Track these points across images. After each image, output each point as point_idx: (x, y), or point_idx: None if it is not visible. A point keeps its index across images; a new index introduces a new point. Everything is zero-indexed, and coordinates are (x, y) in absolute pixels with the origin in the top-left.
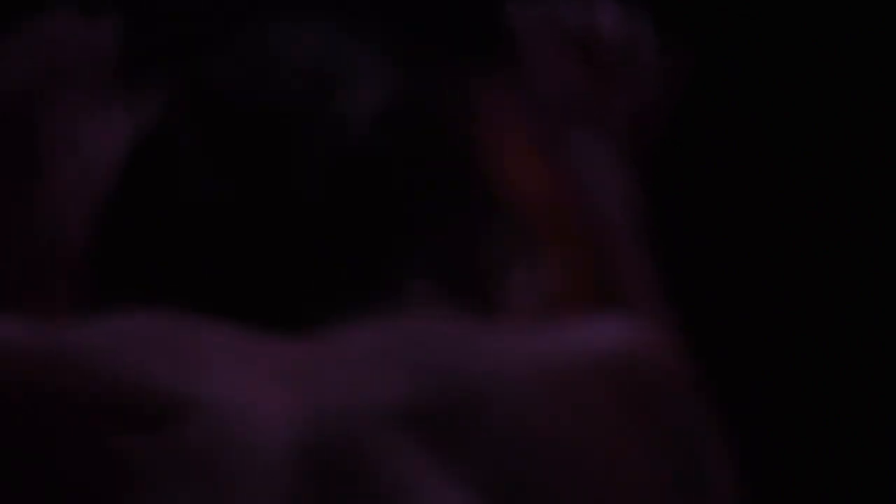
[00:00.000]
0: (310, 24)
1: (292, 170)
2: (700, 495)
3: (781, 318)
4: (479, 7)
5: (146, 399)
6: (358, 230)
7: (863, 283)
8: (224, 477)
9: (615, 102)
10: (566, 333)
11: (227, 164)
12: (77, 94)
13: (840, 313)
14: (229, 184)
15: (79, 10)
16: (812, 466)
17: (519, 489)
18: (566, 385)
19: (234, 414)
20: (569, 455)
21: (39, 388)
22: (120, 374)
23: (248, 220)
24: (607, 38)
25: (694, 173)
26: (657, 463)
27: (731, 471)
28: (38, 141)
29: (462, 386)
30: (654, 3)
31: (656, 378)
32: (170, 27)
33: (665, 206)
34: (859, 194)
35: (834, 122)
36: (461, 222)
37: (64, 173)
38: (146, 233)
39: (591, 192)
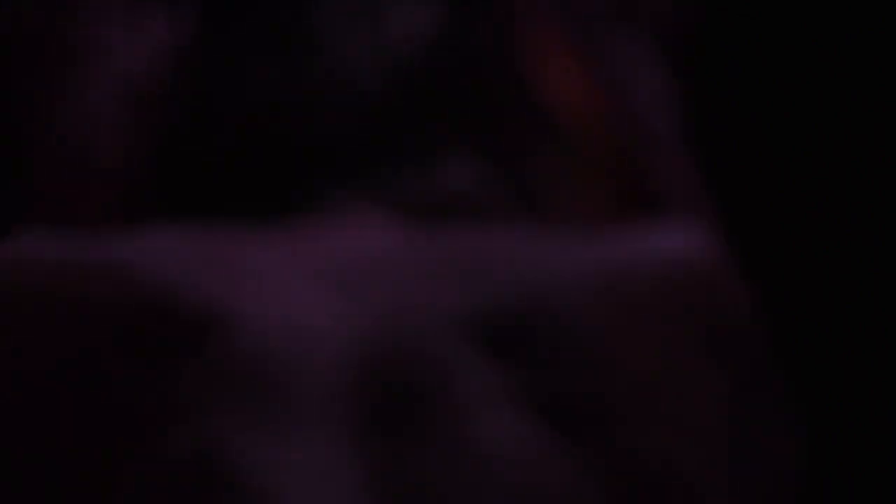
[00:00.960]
0: None
1: (343, 82)
2: (765, 420)
3: (824, 228)
4: None
5: (188, 311)
6: (413, 141)
7: None
8: (275, 393)
9: (650, 3)
10: (624, 241)
11: (269, 77)
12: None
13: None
14: (267, 96)
15: None
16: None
17: (585, 403)
18: (631, 294)
19: (283, 326)
20: (634, 370)
21: (77, 302)
22: (160, 286)
23: (293, 129)
24: None
25: (733, 74)
26: (721, 381)
27: (788, 404)
28: (70, 49)
29: (527, 295)
30: None
31: (717, 286)
32: None
33: (705, 111)
34: None
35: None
36: (511, 133)
37: (98, 82)
38: (186, 141)
39: (632, 98)
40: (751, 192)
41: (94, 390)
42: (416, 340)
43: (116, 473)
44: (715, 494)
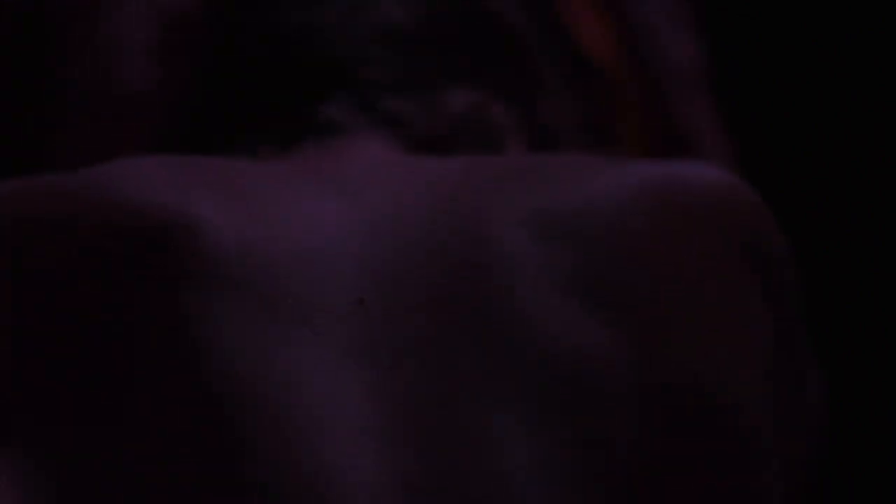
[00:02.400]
0: None
1: (366, 7)
2: (798, 361)
3: (849, 176)
4: None
5: (150, 217)
6: (425, 70)
7: None
8: (284, 297)
9: None
10: (656, 164)
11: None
12: None
13: None
14: (292, 20)
15: None
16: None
17: (633, 298)
18: (673, 204)
19: (284, 235)
20: (679, 275)
21: (50, 221)
22: (126, 197)
23: (313, 53)
24: None
25: (755, 23)
26: (760, 302)
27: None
28: None
29: (565, 194)
30: None
31: (751, 211)
32: None
33: (729, 57)
34: None
35: None
36: (540, 73)
37: (128, 7)
38: (213, 68)
39: (655, 39)
40: (772, 136)
41: (71, 305)
42: (453, 230)
43: (116, 387)
44: (756, 412)
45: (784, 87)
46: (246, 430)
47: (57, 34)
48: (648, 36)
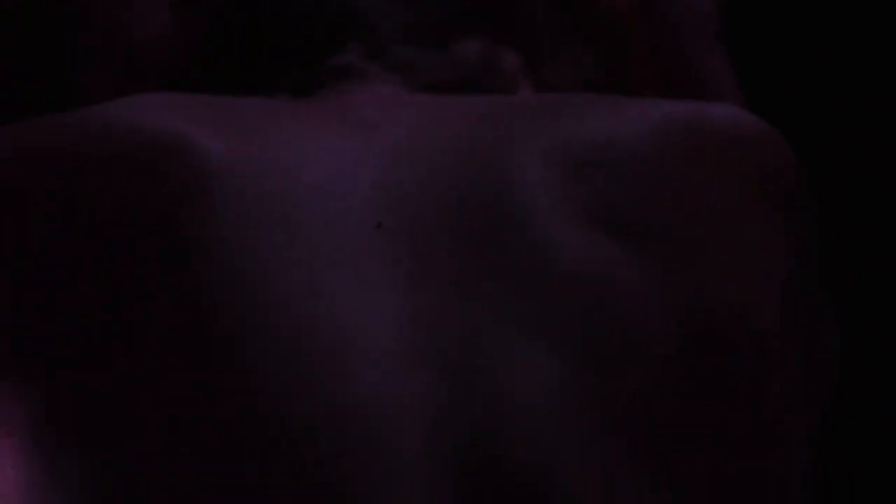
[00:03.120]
0: None
1: None
2: (816, 307)
3: (863, 121)
4: None
5: (141, 142)
6: (434, 20)
7: None
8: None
9: None
10: (681, 104)
11: None
12: None
13: None
14: None
15: None
16: None
17: (657, 228)
18: (693, 138)
19: (301, 165)
20: (703, 207)
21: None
22: (125, 121)
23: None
24: None
25: None
26: (782, 237)
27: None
28: None
29: (588, 130)
30: None
31: (776, 156)
32: None
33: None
34: None
35: None
36: (551, 25)
37: None
38: (233, 20)
39: None
40: (785, 85)
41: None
42: (482, 168)
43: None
44: (778, 340)
45: (794, 40)
46: (265, 348)
47: None
48: None
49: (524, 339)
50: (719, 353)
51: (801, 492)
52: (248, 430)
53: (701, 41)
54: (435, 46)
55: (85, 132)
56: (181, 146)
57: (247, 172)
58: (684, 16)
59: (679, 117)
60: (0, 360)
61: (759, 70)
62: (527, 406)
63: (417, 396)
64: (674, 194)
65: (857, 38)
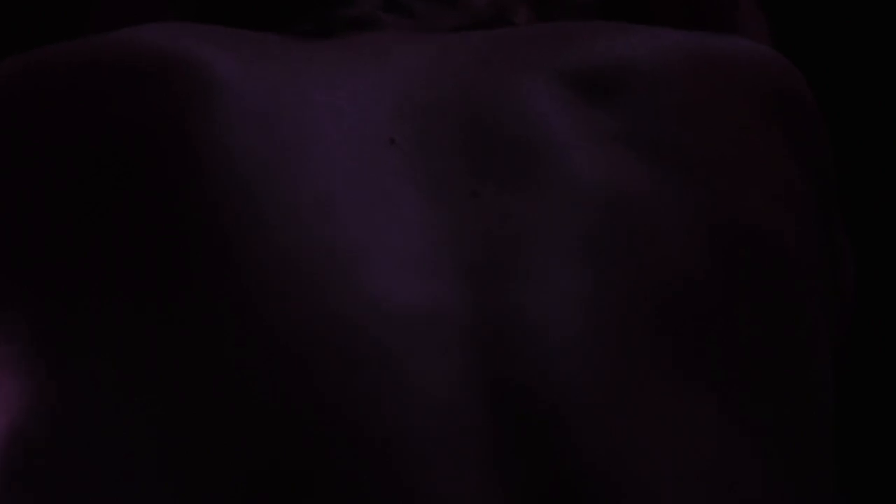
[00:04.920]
0: None
1: None
2: (833, 234)
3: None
4: None
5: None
6: None
7: None
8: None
9: None
10: (693, 33)
11: None
12: None
13: None
14: None
15: None
16: None
17: (682, 148)
18: (715, 66)
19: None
20: (726, 131)
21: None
22: (133, 40)
23: None
24: None
25: None
26: (803, 166)
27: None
28: None
29: (611, 53)
30: None
31: (789, 84)
32: None
33: None
34: None
35: None
36: None
37: None
38: None
39: None
40: (813, 28)
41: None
42: (496, 88)
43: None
44: (802, 256)
45: None
46: (270, 253)
47: None
48: None
49: (544, 250)
50: (742, 266)
51: (825, 419)
52: (252, 337)
53: None
54: (456, 3)
55: (98, 47)
56: (191, 59)
57: (258, 89)
58: None
59: (694, 43)
60: (7, 257)
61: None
62: (548, 317)
63: (434, 306)
64: (690, 114)
65: None
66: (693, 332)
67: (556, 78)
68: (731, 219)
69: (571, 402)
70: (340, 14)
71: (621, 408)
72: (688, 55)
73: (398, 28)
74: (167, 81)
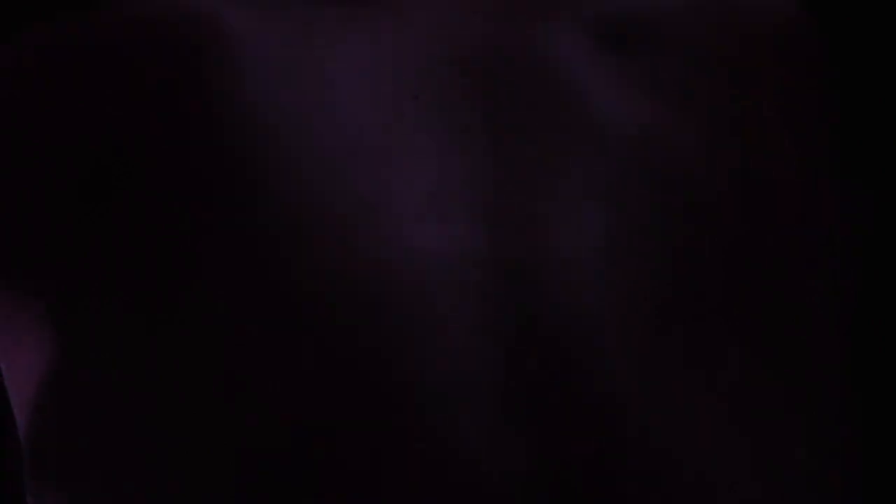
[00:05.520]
0: None
1: None
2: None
3: None
4: None
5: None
6: None
7: None
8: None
9: None
10: None
11: None
12: None
13: None
14: None
15: None
16: None
17: (707, 97)
18: (732, 22)
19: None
20: (741, 82)
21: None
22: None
23: None
24: None
25: None
26: (822, 130)
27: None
28: None
29: (632, 7)
30: None
31: (815, 45)
32: None
33: None
34: None
35: None
36: None
37: None
38: None
39: None
40: None
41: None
42: (518, 38)
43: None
44: (820, 203)
45: None
46: (294, 200)
47: None
48: None
49: (567, 195)
50: (762, 216)
51: (842, 373)
52: (278, 284)
53: None
54: None
55: (119, 13)
56: (208, 16)
57: (277, 42)
58: None
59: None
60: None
61: None
62: (571, 258)
63: (458, 250)
64: (714, 64)
65: None
66: (718, 274)
67: (579, 26)
68: (753, 167)
69: (594, 347)
70: None
71: (644, 354)
72: (711, 5)
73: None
74: (183, 37)
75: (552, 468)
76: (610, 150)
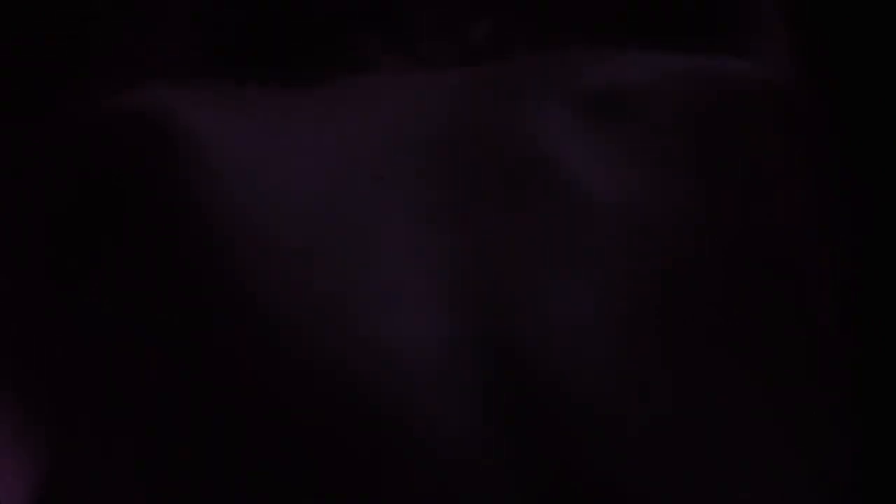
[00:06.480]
0: None
1: None
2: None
3: None
4: None
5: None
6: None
7: None
8: None
9: None
10: (694, 57)
11: None
12: None
13: None
14: None
15: None
16: None
17: (684, 160)
18: (719, 91)
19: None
20: (724, 150)
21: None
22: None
23: None
24: None
25: None
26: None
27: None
28: None
29: (610, 74)
30: None
31: (795, 103)
32: None
33: None
34: None
35: None
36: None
37: None
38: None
39: None
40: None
41: None
42: (496, 114)
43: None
44: (812, 264)
45: None
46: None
47: None
48: None
49: (552, 267)
50: (750, 273)
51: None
52: (243, 390)
53: None
54: (455, 31)
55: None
56: (173, 124)
57: (240, 145)
58: None
59: (699, 67)
60: None
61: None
62: (557, 327)
63: (443, 338)
64: (699, 134)
65: None
66: (703, 338)
67: (560, 102)
68: (738, 229)
69: (587, 426)
70: (339, 57)
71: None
72: (688, 79)
73: (396, 68)
74: (148, 145)
75: None
76: (599, 224)
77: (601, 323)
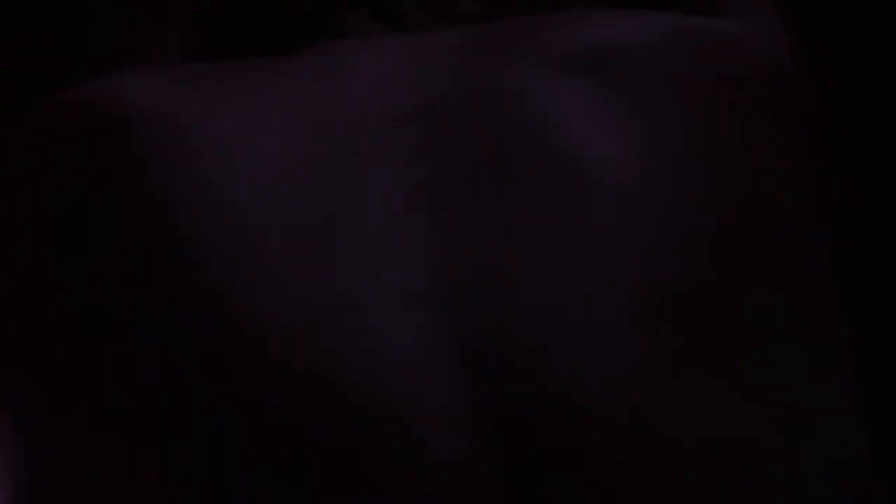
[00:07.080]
0: None
1: None
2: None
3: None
4: None
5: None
6: None
7: None
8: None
9: None
10: (687, 19)
11: None
12: None
13: None
14: None
15: None
16: None
17: (678, 134)
18: (707, 53)
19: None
20: (714, 115)
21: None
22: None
23: None
24: None
25: None
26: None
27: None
28: None
29: (599, 38)
30: None
31: (785, 69)
32: None
33: None
34: None
35: None
36: None
37: None
38: None
39: None
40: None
41: None
42: (476, 73)
43: None
44: (804, 233)
45: None
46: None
47: None
48: None
49: (548, 249)
50: (743, 240)
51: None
52: (227, 397)
53: None
54: (440, 5)
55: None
56: (158, 111)
57: (215, 130)
58: None
59: (684, 26)
60: None
61: None
62: (556, 304)
63: (421, 339)
64: (684, 95)
65: None
66: (700, 314)
67: (548, 64)
68: (730, 200)
69: (581, 425)
70: (328, 28)
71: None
72: (679, 37)
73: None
74: (100, 135)
75: None
76: (588, 191)
77: (600, 320)
